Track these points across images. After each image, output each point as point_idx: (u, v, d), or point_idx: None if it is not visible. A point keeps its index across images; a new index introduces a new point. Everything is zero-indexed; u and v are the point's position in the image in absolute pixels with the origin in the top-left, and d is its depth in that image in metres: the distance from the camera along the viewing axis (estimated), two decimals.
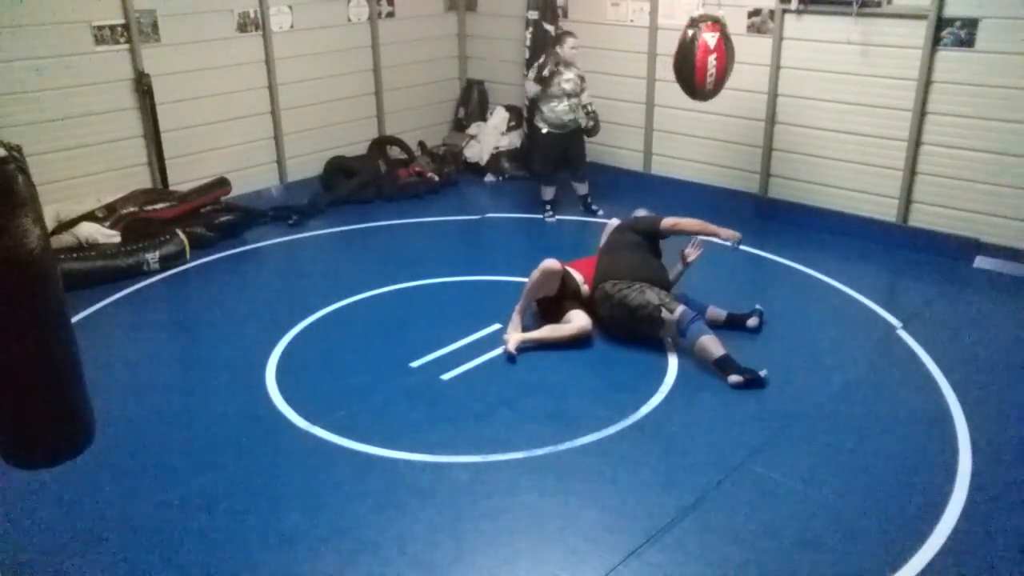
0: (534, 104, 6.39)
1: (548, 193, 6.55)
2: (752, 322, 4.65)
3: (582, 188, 6.63)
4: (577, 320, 4.54)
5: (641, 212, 5.03)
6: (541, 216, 6.53)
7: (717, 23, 5.19)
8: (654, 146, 7.04)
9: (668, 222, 4.72)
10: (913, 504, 3.30)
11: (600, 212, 6.52)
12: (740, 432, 3.77)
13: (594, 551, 3.07)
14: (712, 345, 4.20)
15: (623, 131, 7.13)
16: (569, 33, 6.30)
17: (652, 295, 4.40)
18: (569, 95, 6.20)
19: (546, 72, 6.12)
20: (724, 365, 4.15)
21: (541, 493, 3.37)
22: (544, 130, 6.30)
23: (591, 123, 6.33)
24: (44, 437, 1.95)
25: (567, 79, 6.17)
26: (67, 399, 1.93)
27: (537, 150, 6.50)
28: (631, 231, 4.81)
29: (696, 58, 5.20)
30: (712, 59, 5.19)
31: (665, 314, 4.32)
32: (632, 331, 4.51)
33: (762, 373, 4.12)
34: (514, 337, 4.45)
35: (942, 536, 3.10)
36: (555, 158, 6.40)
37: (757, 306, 4.73)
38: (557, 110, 6.22)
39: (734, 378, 4.11)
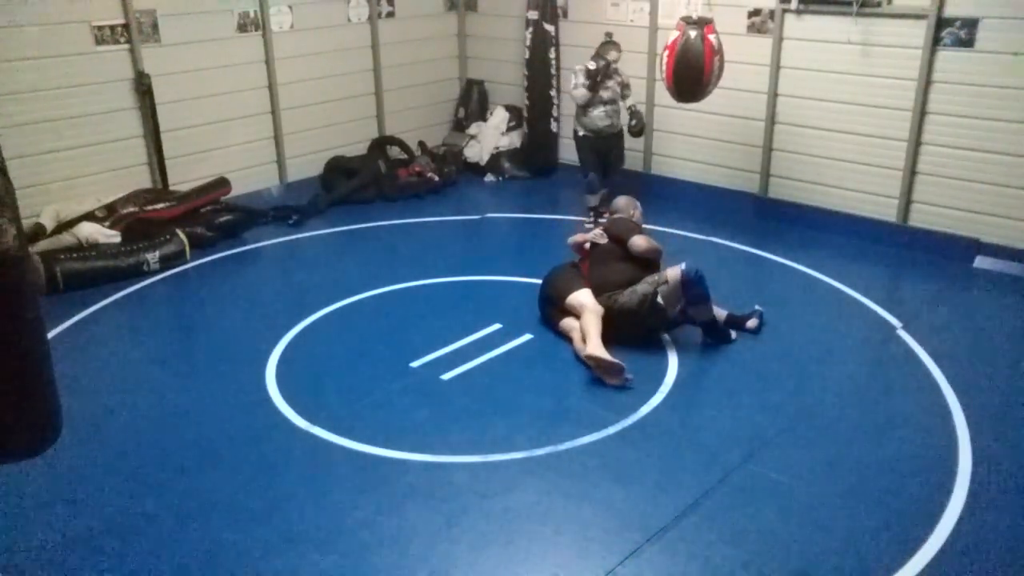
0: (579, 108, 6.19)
1: (593, 200, 6.21)
2: (752, 323, 4.65)
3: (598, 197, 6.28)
4: (585, 314, 4.38)
5: (621, 201, 5.02)
6: (584, 220, 6.18)
7: (682, 23, 5.16)
8: (654, 146, 7.04)
9: (637, 246, 4.60)
10: (913, 504, 3.30)
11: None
12: (740, 432, 3.77)
13: (594, 551, 3.07)
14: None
15: (622, 131, 7.12)
16: (616, 45, 6.16)
17: (643, 287, 4.46)
18: (606, 102, 6.10)
19: (599, 78, 6.00)
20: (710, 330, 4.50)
21: (541, 493, 3.37)
22: (580, 132, 6.21)
23: (633, 121, 6.14)
24: (9, 434, 1.95)
25: (606, 87, 6.08)
26: (35, 400, 1.93)
27: (579, 154, 6.34)
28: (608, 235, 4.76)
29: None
30: (664, 54, 5.29)
31: (661, 290, 4.38)
32: (641, 328, 4.51)
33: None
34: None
35: (942, 536, 3.11)
36: (595, 162, 6.23)
37: (757, 307, 4.74)
38: (593, 115, 6.11)
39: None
